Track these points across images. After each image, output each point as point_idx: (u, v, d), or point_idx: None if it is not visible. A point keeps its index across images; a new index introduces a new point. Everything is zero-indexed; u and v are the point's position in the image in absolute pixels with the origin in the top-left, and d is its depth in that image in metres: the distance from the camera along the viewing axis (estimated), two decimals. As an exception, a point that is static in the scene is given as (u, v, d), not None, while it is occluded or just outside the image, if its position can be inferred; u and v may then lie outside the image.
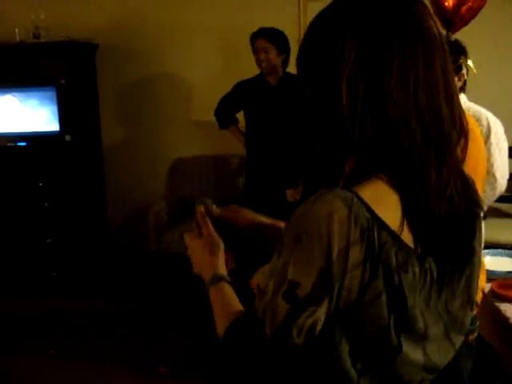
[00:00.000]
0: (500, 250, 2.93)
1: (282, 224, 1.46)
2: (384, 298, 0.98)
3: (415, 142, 1.00)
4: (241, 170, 5.26)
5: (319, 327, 1.00)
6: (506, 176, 2.97)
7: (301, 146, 4.37)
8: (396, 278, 0.99)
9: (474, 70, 2.59)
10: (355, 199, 0.97)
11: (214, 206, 1.43)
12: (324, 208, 0.96)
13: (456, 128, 1.06)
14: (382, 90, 1.00)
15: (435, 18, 1.06)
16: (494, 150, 2.86)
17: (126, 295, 5.09)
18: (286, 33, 4.57)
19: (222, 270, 1.33)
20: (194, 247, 1.39)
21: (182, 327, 4.35)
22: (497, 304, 2.41)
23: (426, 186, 1.02)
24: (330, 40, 1.05)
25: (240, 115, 4.81)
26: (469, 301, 1.14)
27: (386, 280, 0.98)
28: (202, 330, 1.32)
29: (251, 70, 4.63)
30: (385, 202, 1.01)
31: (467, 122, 1.09)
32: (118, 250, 5.81)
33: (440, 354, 1.11)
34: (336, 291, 0.97)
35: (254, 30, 4.55)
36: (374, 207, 0.98)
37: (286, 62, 4.58)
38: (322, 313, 0.99)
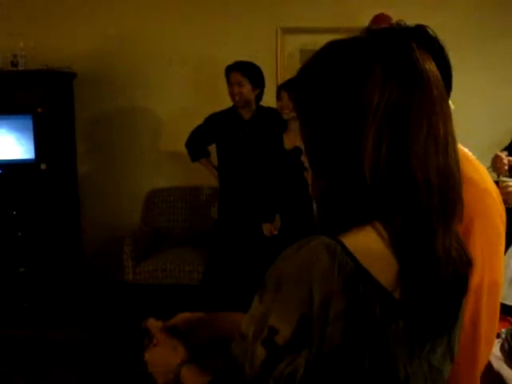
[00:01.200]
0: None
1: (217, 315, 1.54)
2: (365, 349, 0.96)
3: (433, 203, 0.99)
4: (214, 201, 5.29)
5: (299, 374, 0.96)
6: None
7: (277, 180, 4.39)
8: (379, 330, 0.96)
9: (452, 106, 2.62)
10: (339, 248, 0.95)
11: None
12: (307, 255, 0.95)
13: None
14: (410, 147, 0.97)
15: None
16: None
17: (100, 326, 5.02)
18: (263, 65, 4.62)
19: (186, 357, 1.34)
20: (154, 356, 1.40)
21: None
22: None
23: (435, 247, 1.00)
24: (353, 83, 1.00)
25: (211, 148, 4.84)
26: (449, 352, 1.12)
27: (368, 331, 0.96)
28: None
29: (226, 102, 4.66)
30: (373, 254, 0.98)
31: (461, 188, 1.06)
32: (93, 280, 5.75)
33: None
34: (317, 340, 0.95)
35: (230, 62, 4.59)
36: (359, 257, 0.96)
37: (260, 96, 4.62)
38: (301, 361, 0.96)
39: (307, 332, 0.95)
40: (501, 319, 2.54)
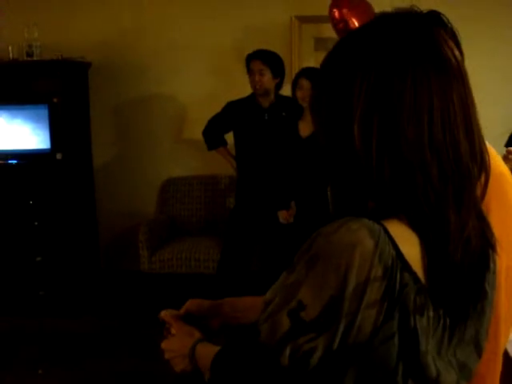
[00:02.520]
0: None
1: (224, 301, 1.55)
2: (396, 340, 0.94)
3: (431, 184, 0.96)
4: (231, 191, 5.27)
5: (317, 357, 0.95)
6: None
7: (292, 167, 4.38)
8: (412, 322, 0.94)
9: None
10: (383, 233, 0.93)
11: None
12: (348, 237, 0.92)
13: (476, 164, 1.00)
14: (396, 129, 0.95)
15: (451, 42, 1.00)
16: None
17: (115, 315, 5.05)
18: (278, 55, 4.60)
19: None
20: (171, 344, 1.41)
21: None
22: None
23: (445, 230, 0.97)
24: (341, 79, 1.00)
25: (228, 137, 4.83)
26: (477, 346, 1.09)
27: (401, 322, 0.94)
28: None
29: (243, 90, 4.66)
30: (408, 242, 0.97)
31: (489, 157, 1.04)
32: (108, 269, 5.78)
33: None
34: (344, 326, 0.93)
35: (247, 50, 4.59)
36: (399, 245, 0.94)
37: (279, 86, 4.62)
38: (321, 343, 0.94)
39: (334, 316, 0.93)
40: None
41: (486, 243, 1.06)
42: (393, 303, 0.93)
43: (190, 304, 1.52)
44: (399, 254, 0.93)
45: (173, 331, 1.43)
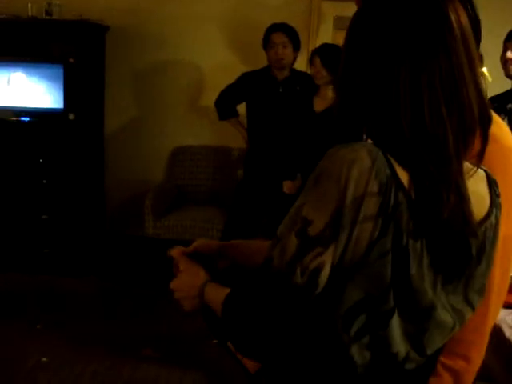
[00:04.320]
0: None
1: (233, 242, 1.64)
2: (390, 257, 0.99)
3: (420, 147, 1.02)
4: (241, 163, 5.28)
5: (324, 274, 1.00)
6: None
7: (303, 140, 4.39)
8: (404, 239, 1.00)
9: (490, 78, 2.54)
10: (380, 154, 1.00)
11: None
12: (348, 154, 0.99)
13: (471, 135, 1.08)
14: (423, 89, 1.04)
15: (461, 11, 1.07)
16: None
17: (118, 276, 5.11)
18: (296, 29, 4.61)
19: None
20: (179, 283, 1.44)
21: (173, 312, 4.35)
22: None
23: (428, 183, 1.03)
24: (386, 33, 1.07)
25: (240, 108, 4.84)
26: (467, 300, 1.15)
27: (394, 240, 0.99)
28: (193, 316, 1.39)
29: (258, 61, 4.67)
30: (401, 169, 1.03)
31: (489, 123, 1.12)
32: (113, 232, 5.84)
33: (436, 340, 1.12)
34: (344, 239, 0.99)
35: (264, 23, 4.58)
36: (396, 168, 1.01)
37: (294, 59, 4.63)
38: (327, 257, 1.00)
39: (337, 227, 0.99)
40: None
41: (464, 223, 1.08)
42: (387, 220, 0.99)
43: (198, 243, 1.55)
44: (394, 174, 1.00)
45: (181, 267, 1.46)
